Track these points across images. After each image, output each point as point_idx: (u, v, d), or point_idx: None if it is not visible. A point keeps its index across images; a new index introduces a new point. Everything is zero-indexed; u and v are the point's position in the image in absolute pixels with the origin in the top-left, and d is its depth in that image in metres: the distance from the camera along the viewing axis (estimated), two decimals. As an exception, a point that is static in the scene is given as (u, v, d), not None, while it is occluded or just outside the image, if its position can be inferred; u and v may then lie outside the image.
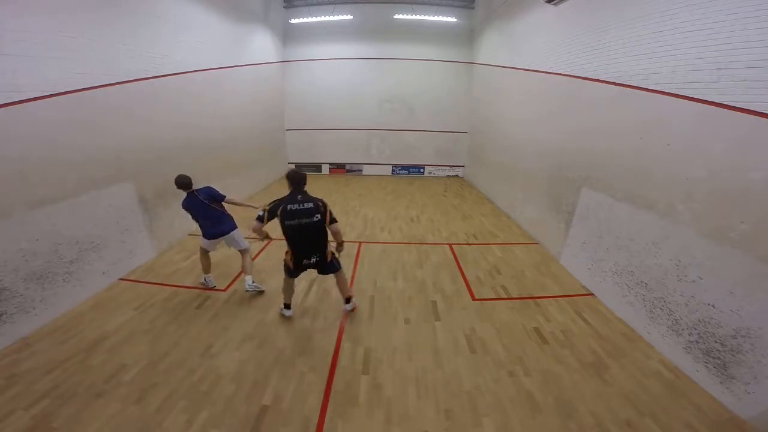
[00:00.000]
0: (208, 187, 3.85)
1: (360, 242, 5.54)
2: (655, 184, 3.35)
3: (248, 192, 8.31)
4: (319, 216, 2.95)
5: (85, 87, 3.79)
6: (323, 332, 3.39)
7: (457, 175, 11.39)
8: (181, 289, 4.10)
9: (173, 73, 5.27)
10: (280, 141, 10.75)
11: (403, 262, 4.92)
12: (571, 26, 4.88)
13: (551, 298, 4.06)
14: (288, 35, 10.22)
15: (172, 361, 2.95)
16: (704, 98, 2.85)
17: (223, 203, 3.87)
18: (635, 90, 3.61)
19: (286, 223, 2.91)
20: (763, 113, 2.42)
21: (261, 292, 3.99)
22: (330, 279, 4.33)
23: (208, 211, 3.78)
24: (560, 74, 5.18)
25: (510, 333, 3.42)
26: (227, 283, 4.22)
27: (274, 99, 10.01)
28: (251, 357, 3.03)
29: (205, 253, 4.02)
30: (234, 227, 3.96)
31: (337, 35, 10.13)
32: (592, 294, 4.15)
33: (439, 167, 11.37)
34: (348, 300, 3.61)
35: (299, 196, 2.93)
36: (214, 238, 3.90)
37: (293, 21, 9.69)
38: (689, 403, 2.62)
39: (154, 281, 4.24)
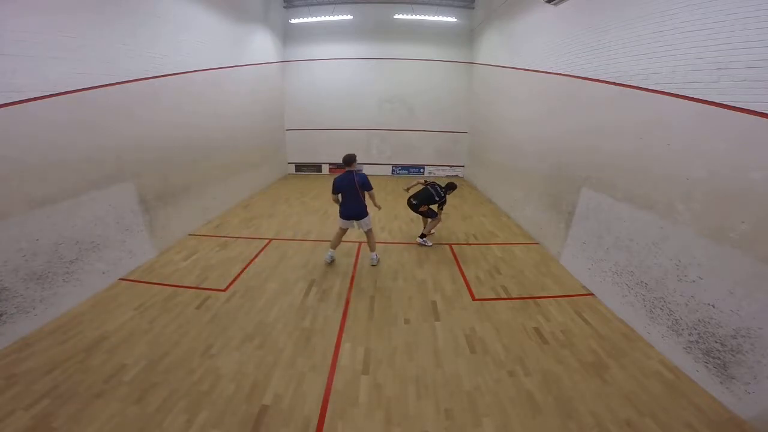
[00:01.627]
0: (365, 175, 4.37)
1: (360, 242, 5.54)
2: (655, 184, 3.35)
3: (248, 192, 8.31)
4: (436, 197, 5.31)
5: (85, 87, 3.80)
6: (323, 332, 3.39)
7: (457, 175, 11.37)
8: (181, 289, 4.10)
9: (173, 73, 5.27)
10: (280, 141, 10.75)
11: (403, 262, 4.92)
12: (571, 26, 4.88)
13: (551, 298, 4.06)
14: (288, 35, 10.22)
15: (172, 361, 2.95)
16: (704, 98, 2.85)
17: (367, 193, 4.39)
18: (635, 90, 3.61)
19: (426, 184, 5.51)
20: (763, 113, 2.42)
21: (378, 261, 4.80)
22: (328, 281, 4.39)
23: (354, 193, 4.28)
24: (560, 74, 5.18)
25: (510, 333, 3.42)
26: (227, 283, 4.23)
27: (274, 99, 10.00)
28: (251, 357, 3.03)
29: (341, 231, 4.62)
30: (366, 214, 4.49)
31: (337, 35, 10.12)
32: (592, 294, 4.15)
33: (439, 167, 11.37)
34: (422, 236, 5.54)
35: (443, 186, 5.45)
36: (348, 219, 4.46)
37: (293, 21, 9.69)
38: (689, 403, 2.62)
39: (154, 281, 4.24)
